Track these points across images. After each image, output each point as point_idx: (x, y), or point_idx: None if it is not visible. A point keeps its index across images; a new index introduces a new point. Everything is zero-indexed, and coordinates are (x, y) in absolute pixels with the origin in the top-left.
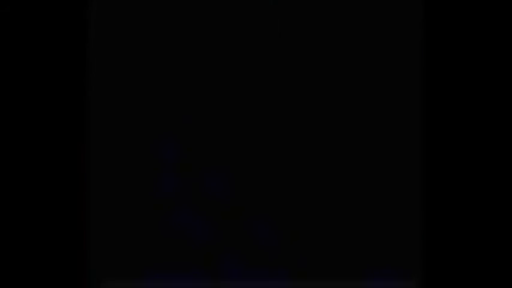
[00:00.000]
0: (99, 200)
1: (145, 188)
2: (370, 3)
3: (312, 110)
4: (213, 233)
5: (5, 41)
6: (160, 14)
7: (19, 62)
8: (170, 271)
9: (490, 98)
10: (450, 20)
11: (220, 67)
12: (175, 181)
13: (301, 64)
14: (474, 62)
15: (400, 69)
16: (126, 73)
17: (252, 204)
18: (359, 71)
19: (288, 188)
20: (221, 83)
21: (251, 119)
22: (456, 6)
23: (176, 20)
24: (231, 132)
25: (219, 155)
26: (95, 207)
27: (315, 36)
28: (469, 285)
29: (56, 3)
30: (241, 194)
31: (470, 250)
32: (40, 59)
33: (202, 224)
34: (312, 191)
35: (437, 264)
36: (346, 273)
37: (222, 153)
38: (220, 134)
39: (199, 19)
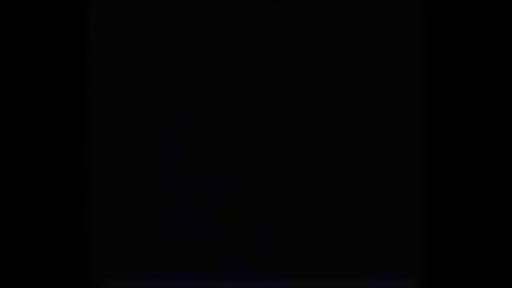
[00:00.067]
0: (99, 200)
1: (145, 188)
2: (370, 3)
3: (312, 110)
4: (213, 233)
5: (5, 41)
6: (160, 14)
7: (19, 62)
8: (170, 271)
9: (489, 97)
10: (450, 20)
11: (220, 67)
12: (175, 181)
13: (301, 64)
14: (474, 62)
15: (400, 69)
16: (126, 73)
17: (252, 204)
18: (359, 70)
19: (288, 188)
20: (221, 83)
21: (251, 119)
22: (456, 6)
23: (176, 20)
24: (231, 132)
25: (219, 155)
26: (95, 207)
27: (315, 37)
28: (469, 285)
29: (56, 3)
30: (241, 194)
31: (470, 250)
32: (40, 59)
33: (202, 224)
34: (312, 191)
35: (437, 264)
36: (346, 273)
37: (222, 153)
38: (220, 134)
39: (199, 19)
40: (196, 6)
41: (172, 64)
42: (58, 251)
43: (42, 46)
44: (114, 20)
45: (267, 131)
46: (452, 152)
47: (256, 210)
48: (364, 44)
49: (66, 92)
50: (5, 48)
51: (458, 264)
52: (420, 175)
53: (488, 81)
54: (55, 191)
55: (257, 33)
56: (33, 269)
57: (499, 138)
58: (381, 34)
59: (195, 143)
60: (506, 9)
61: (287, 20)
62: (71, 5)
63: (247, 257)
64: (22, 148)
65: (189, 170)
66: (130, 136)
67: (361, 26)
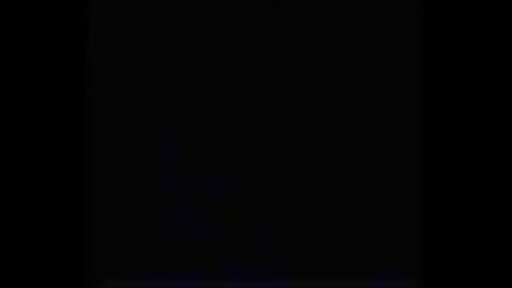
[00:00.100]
0: (99, 200)
1: (145, 188)
2: (370, 3)
3: (311, 110)
4: (213, 233)
5: (6, 40)
6: (160, 14)
7: (19, 62)
8: (170, 271)
9: (489, 97)
10: (450, 20)
11: (220, 67)
12: (175, 181)
13: (301, 64)
14: (473, 62)
15: (400, 69)
16: (126, 73)
17: (252, 204)
18: (359, 70)
19: (288, 188)
20: (221, 83)
21: (251, 119)
22: (456, 6)
23: (176, 20)
24: (230, 132)
25: (219, 155)
26: (95, 207)
27: (315, 37)
28: (468, 285)
29: (56, 3)
30: (241, 194)
31: (469, 250)
32: (40, 59)
33: (202, 224)
34: (312, 191)
35: (437, 264)
36: (346, 273)
37: (222, 153)
38: (220, 134)
39: (199, 19)
40: (196, 6)
41: (172, 64)
42: (58, 251)
43: (43, 46)
44: (114, 20)
45: (267, 131)
46: (452, 153)
47: (256, 210)
48: (364, 44)
49: (66, 92)
50: (5, 48)
51: (458, 264)
52: (420, 175)
53: (487, 81)
54: (55, 191)
55: (257, 33)
56: (33, 269)
57: (499, 137)
58: (381, 34)
59: (195, 143)
60: (506, 9)
61: (287, 20)
62: (71, 5)
63: (247, 257)
64: (22, 148)
65: (189, 170)
66: (130, 136)
67: (361, 26)
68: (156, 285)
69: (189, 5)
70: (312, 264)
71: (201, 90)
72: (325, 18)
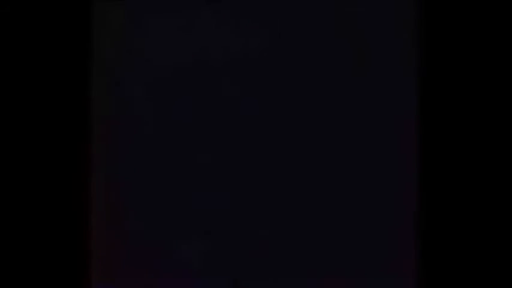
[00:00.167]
0: (99, 200)
1: (145, 188)
2: (369, 3)
3: (311, 110)
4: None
5: (6, 41)
6: (160, 14)
7: (20, 62)
8: (170, 271)
9: (488, 97)
10: (449, 19)
11: (220, 67)
12: None
13: (301, 64)
14: (473, 62)
15: (399, 69)
16: (125, 73)
17: (253, 204)
18: (357, 71)
19: (288, 188)
20: (220, 83)
21: (250, 119)
22: (455, 6)
23: (176, 19)
24: (230, 132)
25: (219, 155)
26: (95, 207)
27: (315, 36)
28: (468, 285)
29: (59, 4)
30: (241, 193)
31: (469, 250)
32: (41, 59)
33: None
34: (312, 191)
35: (437, 264)
36: (346, 273)
37: (222, 153)
38: (220, 134)
39: (199, 19)
40: (196, 6)
41: (172, 64)
42: (58, 251)
43: (44, 46)
44: (117, 21)
45: (266, 132)
46: (449, 153)
47: (256, 210)
48: (363, 44)
49: (68, 92)
50: (5, 48)
51: (458, 264)
52: (418, 176)
53: (487, 81)
54: (55, 191)
55: (256, 33)
56: (34, 269)
57: (497, 137)
58: (381, 34)
59: (195, 143)
60: (506, 8)
61: (287, 20)
62: (74, 5)
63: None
64: (23, 148)
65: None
66: (130, 136)
67: (361, 26)
68: (156, 285)
69: (189, 5)
70: (312, 264)
71: (201, 90)
72: (324, 18)
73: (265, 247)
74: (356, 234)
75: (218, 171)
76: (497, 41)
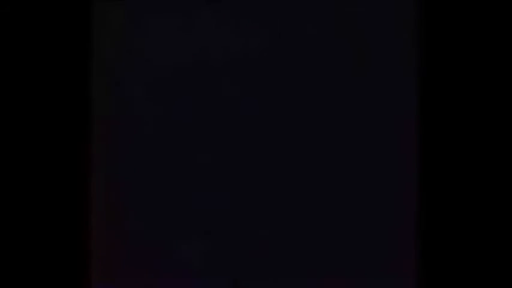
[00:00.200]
0: (99, 200)
1: (145, 188)
2: (369, 3)
3: (311, 110)
4: (212, 232)
5: (6, 41)
6: (160, 14)
7: (20, 62)
8: (170, 271)
9: (488, 97)
10: (449, 19)
11: (220, 67)
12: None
13: (301, 64)
14: (473, 62)
15: (399, 69)
16: (126, 73)
17: (252, 204)
18: (357, 71)
19: (288, 188)
20: (220, 83)
21: (250, 118)
22: (455, 6)
23: (176, 19)
24: (230, 132)
25: (218, 155)
26: (95, 207)
27: (315, 36)
28: (468, 285)
29: (59, 4)
30: (241, 193)
31: (469, 250)
32: (41, 59)
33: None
34: (312, 191)
35: (437, 264)
36: (346, 273)
37: (221, 153)
38: (220, 134)
39: (199, 19)
40: (196, 6)
41: (172, 64)
42: (58, 251)
43: (44, 46)
44: (117, 20)
45: (267, 132)
46: (449, 153)
47: (256, 210)
48: (363, 44)
49: (67, 92)
50: (5, 48)
51: (458, 264)
52: (418, 176)
53: (487, 81)
54: (56, 191)
55: (256, 33)
56: (33, 269)
57: (497, 137)
58: (380, 34)
59: (195, 143)
60: (506, 8)
61: (286, 20)
62: (74, 5)
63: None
64: (23, 148)
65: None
66: (131, 136)
67: (361, 26)
68: (156, 285)
69: (189, 5)
70: (312, 264)
71: (200, 90)
72: (324, 18)
73: (265, 247)
74: (356, 234)
75: (218, 171)
76: (497, 41)
